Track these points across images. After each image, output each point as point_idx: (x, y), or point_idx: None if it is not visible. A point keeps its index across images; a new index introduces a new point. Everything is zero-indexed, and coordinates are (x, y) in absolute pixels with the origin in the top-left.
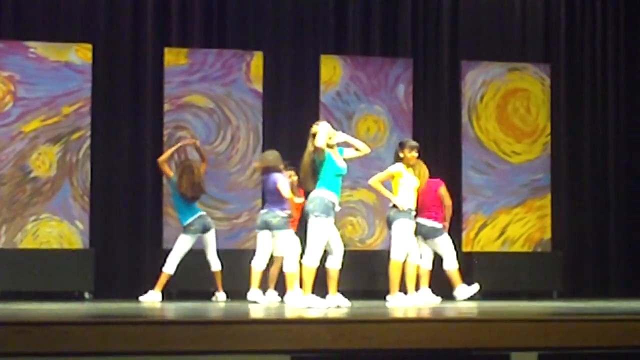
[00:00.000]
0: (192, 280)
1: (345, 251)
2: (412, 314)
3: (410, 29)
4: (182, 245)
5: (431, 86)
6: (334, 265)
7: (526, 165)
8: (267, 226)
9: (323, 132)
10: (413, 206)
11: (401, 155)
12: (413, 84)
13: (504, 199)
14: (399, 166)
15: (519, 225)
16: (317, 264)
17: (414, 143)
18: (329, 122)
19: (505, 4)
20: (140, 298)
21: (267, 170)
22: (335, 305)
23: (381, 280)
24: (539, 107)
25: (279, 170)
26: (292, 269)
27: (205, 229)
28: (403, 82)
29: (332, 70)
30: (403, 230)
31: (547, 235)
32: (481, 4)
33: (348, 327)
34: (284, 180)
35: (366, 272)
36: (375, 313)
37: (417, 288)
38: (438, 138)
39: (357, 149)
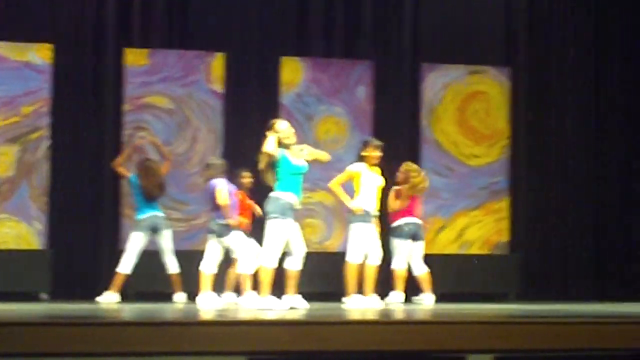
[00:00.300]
0: (151, 281)
1: (315, 253)
2: (368, 316)
3: (372, 31)
4: (133, 243)
5: (391, 88)
6: (293, 266)
7: (485, 168)
8: (211, 232)
9: (271, 139)
10: (375, 206)
11: (364, 153)
12: (374, 86)
13: (462, 202)
14: (359, 166)
15: (477, 228)
16: (275, 265)
17: (378, 142)
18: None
19: (466, 8)
20: (97, 299)
21: (208, 177)
22: (293, 306)
23: (339, 282)
24: (498, 110)
25: (219, 176)
26: (246, 271)
27: (155, 229)
28: (364, 84)
29: (293, 72)
30: (358, 233)
31: (505, 237)
32: (442, 8)
33: (305, 329)
34: (220, 187)
35: (324, 274)
36: (331, 315)
37: (392, 289)
38: (398, 140)
39: (321, 161)
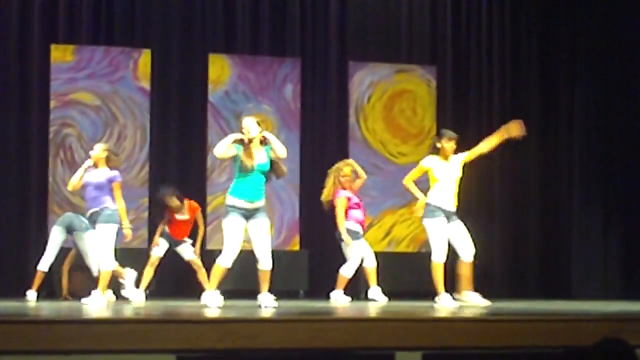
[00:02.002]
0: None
1: (241, 251)
2: (297, 314)
3: (299, 29)
4: (51, 239)
5: (319, 86)
6: (261, 266)
7: (412, 166)
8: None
9: (228, 140)
10: (450, 200)
11: (438, 145)
12: (301, 84)
13: (390, 200)
14: (431, 159)
15: (404, 226)
16: (228, 264)
17: (453, 134)
18: (217, 121)
19: (392, 7)
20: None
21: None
22: (264, 305)
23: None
24: (425, 109)
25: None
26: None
27: (71, 228)
28: (291, 81)
29: (220, 70)
30: (431, 229)
31: None
32: (369, 6)
33: (233, 327)
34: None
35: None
36: (259, 313)
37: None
38: (325, 138)
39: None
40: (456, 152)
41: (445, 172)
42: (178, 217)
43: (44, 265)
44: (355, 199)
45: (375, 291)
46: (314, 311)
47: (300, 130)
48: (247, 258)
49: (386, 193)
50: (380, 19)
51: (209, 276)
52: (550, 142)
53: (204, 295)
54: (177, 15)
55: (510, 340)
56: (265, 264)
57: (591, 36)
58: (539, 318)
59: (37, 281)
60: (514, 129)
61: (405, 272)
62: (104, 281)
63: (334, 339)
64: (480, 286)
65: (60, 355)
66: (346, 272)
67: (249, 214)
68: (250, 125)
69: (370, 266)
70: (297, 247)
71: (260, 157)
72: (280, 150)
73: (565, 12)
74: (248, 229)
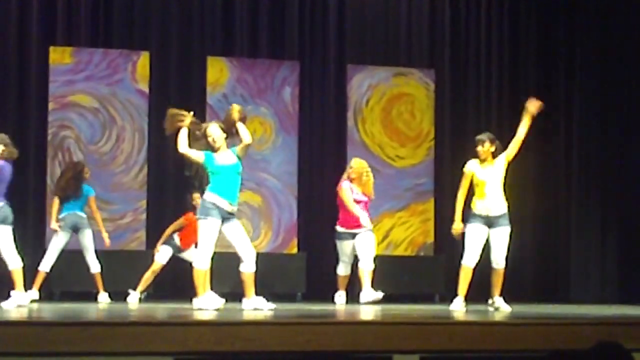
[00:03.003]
0: (75, 281)
1: (225, 253)
2: (295, 317)
3: (297, 31)
4: (54, 242)
5: (317, 89)
6: (244, 268)
7: (410, 169)
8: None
9: (182, 135)
10: (485, 204)
11: (476, 149)
12: (299, 87)
13: (387, 203)
14: (471, 164)
15: (402, 229)
16: (206, 266)
17: (485, 136)
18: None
19: (391, 10)
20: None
21: None
22: (253, 307)
23: (264, 282)
24: (423, 112)
25: None
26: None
27: (76, 228)
28: (289, 84)
29: (218, 72)
30: (467, 234)
31: (430, 239)
32: (367, 9)
33: (232, 329)
34: None
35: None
36: (257, 316)
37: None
38: (324, 141)
39: (241, 140)
40: (466, 157)
41: (483, 175)
42: None
43: (45, 265)
44: (360, 197)
45: (366, 294)
46: (311, 314)
47: (298, 133)
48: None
49: (384, 196)
50: (378, 22)
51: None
52: (548, 146)
53: (196, 301)
54: (175, 17)
55: (507, 344)
56: (251, 266)
57: (590, 41)
58: (535, 322)
59: (39, 281)
60: (533, 107)
61: (404, 275)
62: (18, 280)
63: (331, 342)
64: (477, 290)
65: (58, 357)
66: (339, 270)
67: (225, 217)
68: (216, 134)
69: (361, 268)
70: (294, 250)
71: (229, 159)
72: (246, 136)
73: (564, 17)
74: (225, 232)
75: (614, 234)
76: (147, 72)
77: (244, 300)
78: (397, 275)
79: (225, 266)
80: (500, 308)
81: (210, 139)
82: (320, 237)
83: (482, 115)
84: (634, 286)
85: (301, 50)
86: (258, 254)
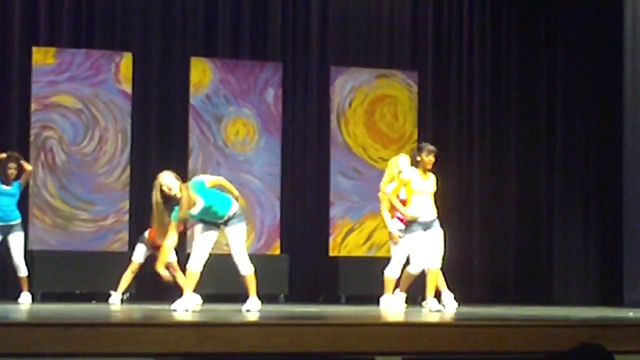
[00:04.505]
0: (56, 282)
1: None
2: (277, 318)
3: (280, 33)
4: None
5: (300, 91)
6: (240, 272)
7: None
8: None
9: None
10: (426, 212)
11: (418, 158)
12: (282, 88)
13: (371, 204)
14: (410, 172)
15: (385, 231)
16: (198, 268)
17: (432, 147)
18: (198, 125)
19: (373, 12)
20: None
21: None
22: (246, 309)
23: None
24: (406, 114)
25: None
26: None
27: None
28: (272, 86)
29: (201, 73)
30: (414, 242)
31: None
32: (350, 11)
33: (213, 331)
34: None
35: (232, 276)
36: (238, 317)
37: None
38: (306, 143)
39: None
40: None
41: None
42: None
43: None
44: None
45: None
46: (294, 316)
47: (281, 135)
48: (227, 262)
49: (367, 197)
50: (361, 24)
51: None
52: (530, 148)
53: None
54: (158, 18)
55: (489, 346)
56: (243, 269)
57: (572, 43)
58: (518, 323)
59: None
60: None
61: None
62: None
63: (314, 344)
64: (459, 291)
65: (40, 359)
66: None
67: (222, 222)
68: (172, 183)
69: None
70: (277, 252)
71: (197, 206)
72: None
73: (545, 18)
74: (225, 235)
75: (595, 236)
76: (130, 73)
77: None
78: (380, 276)
79: (208, 267)
80: (431, 309)
81: (166, 188)
82: (303, 238)
83: (465, 117)
84: (616, 288)
85: (284, 51)
86: None
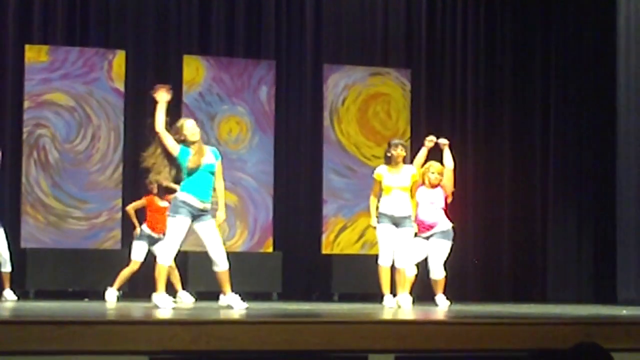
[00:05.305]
0: (51, 279)
1: (200, 252)
2: (270, 316)
3: (274, 31)
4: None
5: (294, 89)
6: (217, 267)
7: None
8: None
9: (160, 113)
10: (396, 208)
11: (388, 154)
12: (276, 86)
13: (364, 202)
14: (380, 168)
15: None
16: (168, 262)
17: (397, 140)
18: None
19: (367, 10)
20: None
21: None
22: (227, 304)
23: (240, 282)
24: (399, 112)
25: None
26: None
27: None
28: (266, 83)
29: (195, 71)
30: (379, 235)
31: None
32: (344, 9)
33: (207, 328)
34: None
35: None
36: (234, 314)
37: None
38: (300, 140)
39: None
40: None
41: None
42: (160, 204)
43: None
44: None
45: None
46: (287, 313)
47: (274, 132)
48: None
49: (360, 195)
50: (355, 22)
51: (181, 276)
52: (524, 147)
53: (155, 297)
54: (151, 16)
55: (482, 344)
56: (222, 265)
57: (565, 42)
58: (511, 321)
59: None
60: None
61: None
62: None
63: (307, 342)
64: (454, 289)
65: (34, 356)
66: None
67: (197, 214)
68: (195, 129)
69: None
70: (270, 249)
71: (208, 158)
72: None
73: (540, 18)
74: (197, 230)
75: (589, 234)
76: (123, 71)
77: (221, 296)
78: (373, 274)
79: (200, 265)
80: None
81: (187, 133)
82: (296, 236)
83: (458, 115)
84: (609, 286)
85: (278, 49)
86: (234, 253)
